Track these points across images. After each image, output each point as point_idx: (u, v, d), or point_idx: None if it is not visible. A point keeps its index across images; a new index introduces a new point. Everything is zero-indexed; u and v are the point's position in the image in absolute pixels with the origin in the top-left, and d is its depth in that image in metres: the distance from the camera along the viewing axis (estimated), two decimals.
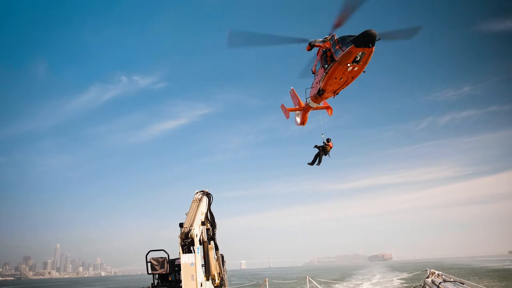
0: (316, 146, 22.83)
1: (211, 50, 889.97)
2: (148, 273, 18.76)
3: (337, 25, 17.59)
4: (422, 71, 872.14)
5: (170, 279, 18.65)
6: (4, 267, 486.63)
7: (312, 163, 23.22)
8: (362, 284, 61.73)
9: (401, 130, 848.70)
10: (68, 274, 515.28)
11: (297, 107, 25.15)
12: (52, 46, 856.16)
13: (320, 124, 23.67)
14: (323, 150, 22.77)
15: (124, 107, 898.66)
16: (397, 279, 63.09)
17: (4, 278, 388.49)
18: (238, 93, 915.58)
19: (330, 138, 22.86)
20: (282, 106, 26.05)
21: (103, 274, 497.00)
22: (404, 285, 49.55)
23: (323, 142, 22.77)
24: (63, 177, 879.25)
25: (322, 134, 22.80)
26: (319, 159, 22.97)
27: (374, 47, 16.14)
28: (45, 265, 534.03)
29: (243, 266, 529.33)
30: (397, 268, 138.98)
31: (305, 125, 24.94)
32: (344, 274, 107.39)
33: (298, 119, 25.10)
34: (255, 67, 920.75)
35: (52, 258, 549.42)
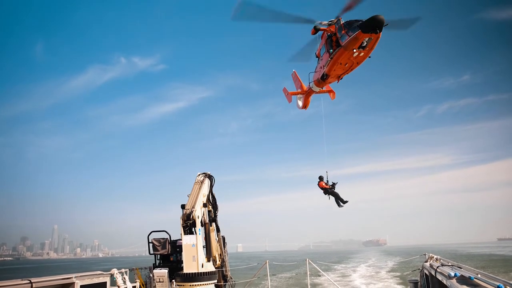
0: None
1: (212, 33, 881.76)
2: (150, 254, 18.93)
3: (347, 8, 17.15)
4: (423, 58, 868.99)
5: (171, 259, 18.84)
6: (2, 248, 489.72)
7: (343, 202, 21.87)
8: (358, 266, 62.53)
9: (400, 117, 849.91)
10: (66, 255, 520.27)
11: (299, 90, 24.75)
12: (50, 25, 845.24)
13: (318, 110, 23.28)
14: (331, 193, 21.58)
15: (123, 89, 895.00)
16: (395, 263, 63.87)
17: (3, 259, 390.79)
18: (238, 77, 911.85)
19: (322, 175, 21.78)
20: (284, 90, 25.68)
21: (100, 255, 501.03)
22: (403, 267, 50.33)
23: (327, 182, 21.61)
24: (61, 158, 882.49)
25: (326, 171, 21.90)
26: (336, 199, 21.75)
27: (381, 33, 15.82)
28: (42, 245, 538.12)
29: (240, 250, 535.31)
30: (391, 253, 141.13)
31: (307, 109, 24.73)
32: (341, 258, 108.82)
33: (300, 103, 24.72)
34: (256, 50, 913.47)
35: (50, 239, 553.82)
